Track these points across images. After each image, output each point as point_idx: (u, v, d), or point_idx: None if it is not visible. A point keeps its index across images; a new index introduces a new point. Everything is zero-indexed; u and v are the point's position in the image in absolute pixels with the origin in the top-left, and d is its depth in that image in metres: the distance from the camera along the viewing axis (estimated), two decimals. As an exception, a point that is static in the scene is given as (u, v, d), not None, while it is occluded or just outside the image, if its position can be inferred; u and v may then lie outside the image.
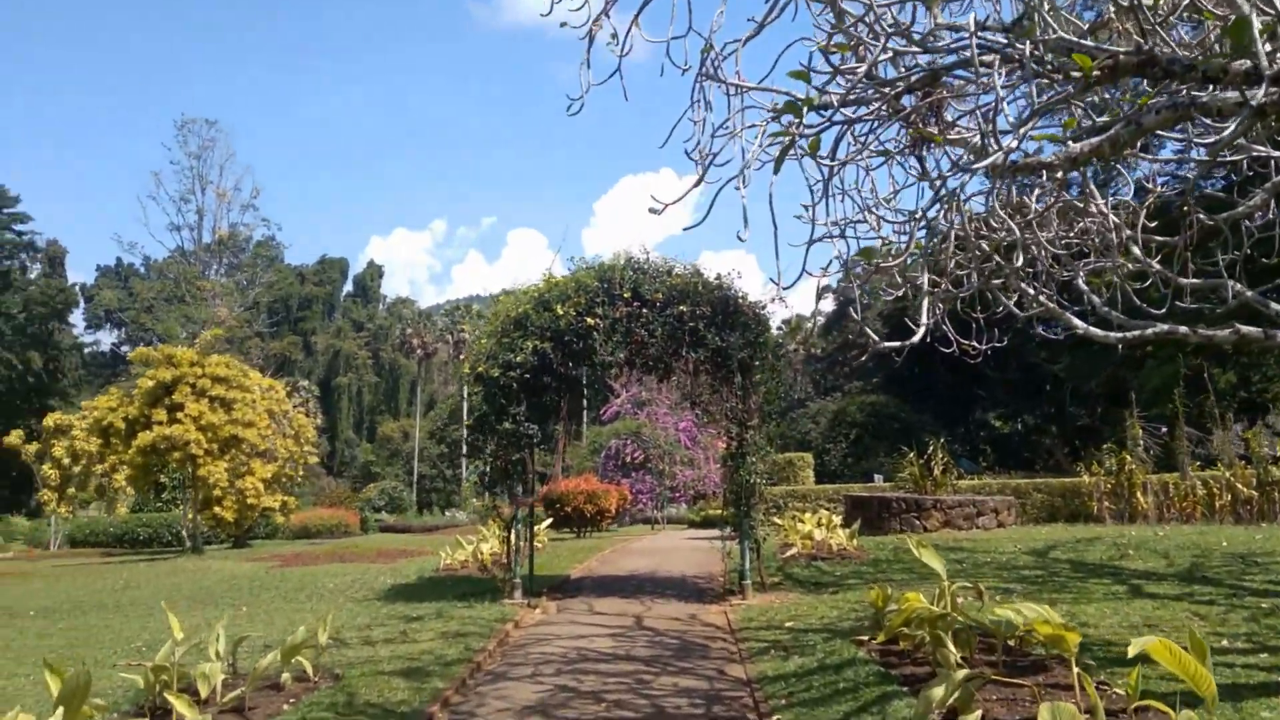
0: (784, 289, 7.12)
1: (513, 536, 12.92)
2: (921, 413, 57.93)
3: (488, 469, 12.90)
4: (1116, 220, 8.35)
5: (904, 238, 7.33)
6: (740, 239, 5.98)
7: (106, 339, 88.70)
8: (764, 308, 12.80)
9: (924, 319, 6.33)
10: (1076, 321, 9.44)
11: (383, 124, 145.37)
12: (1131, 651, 4.75)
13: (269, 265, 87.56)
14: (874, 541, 17.34)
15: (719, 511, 35.77)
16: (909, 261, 7.55)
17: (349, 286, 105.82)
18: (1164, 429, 22.28)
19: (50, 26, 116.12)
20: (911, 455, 21.36)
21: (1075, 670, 5.52)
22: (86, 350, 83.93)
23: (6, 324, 66.21)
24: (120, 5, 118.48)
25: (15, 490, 60.73)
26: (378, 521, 50.04)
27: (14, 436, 34.04)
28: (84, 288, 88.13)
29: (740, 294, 12.72)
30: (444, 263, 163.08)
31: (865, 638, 8.61)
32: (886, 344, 6.66)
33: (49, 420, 32.28)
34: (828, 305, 77.28)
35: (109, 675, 8.41)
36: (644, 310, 12.54)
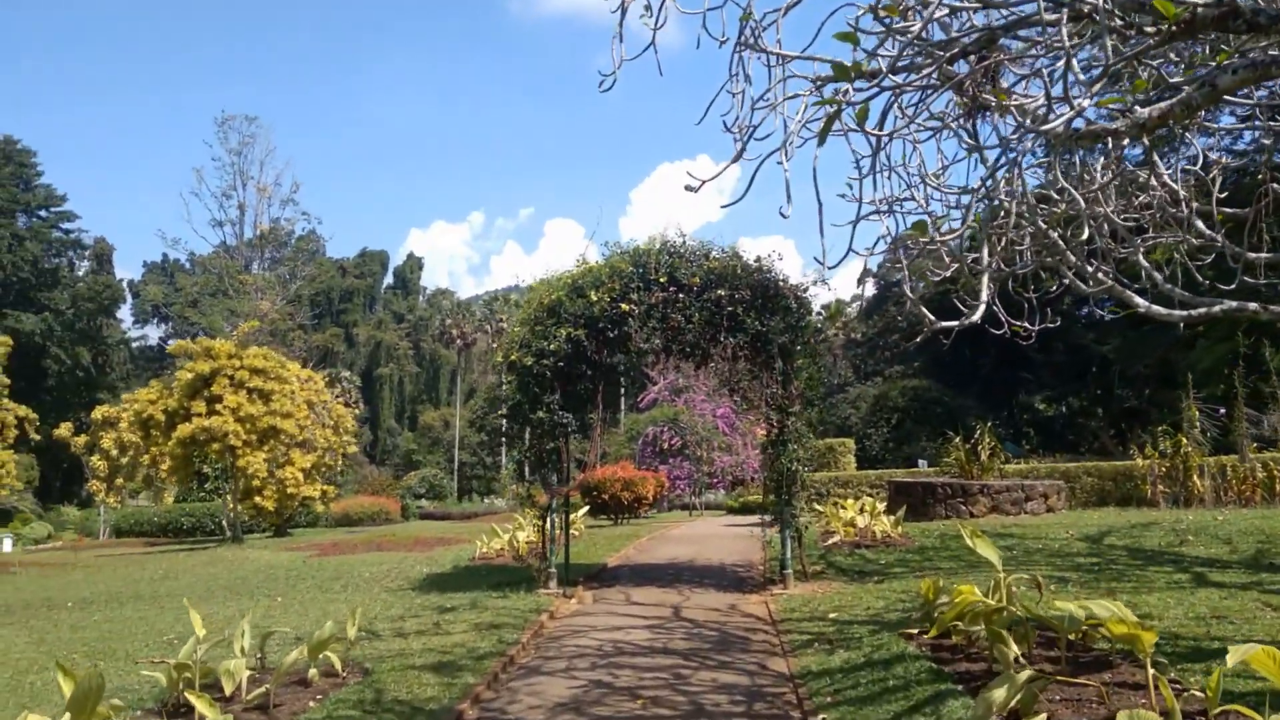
0: (829, 269, 6.78)
1: (548, 525, 12.66)
2: (965, 397, 57.09)
3: (523, 458, 12.64)
4: (1184, 193, 7.87)
5: (957, 213, 6.95)
6: (783, 215, 5.67)
7: (154, 334, 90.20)
8: (805, 290, 12.39)
9: (984, 296, 5.94)
10: (1138, 300, 8.99)
11: (421, 117, 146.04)
12: (1231, 660, 4.34)
13: (310, 259, 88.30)
14: (919, 528, 16.88)
15: (757, 498, 35.39)
16: (964, 237, 7.15)
17: (389, 279, 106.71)
18: (1221, 410, 21.49)
19: (94, 26, 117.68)
20: (957, 440, 20.82)
21: (1150, 672, 5.11)
22: (134, 345, 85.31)
23: (55, 320, 67.40)
24: (161, 4, 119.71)
25: (66, 481, 61.94)
26: (418, 509, 50.26)
27: (64, 429, 34.54)
28: (131, 284, 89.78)
29: (781, 276, 12.33)
30: (482, 254, 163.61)
31: (915, 631, 8.22)
32: (943, 323, 6.26)
33: (97, 413, 32.69)
34: (868, 289, 76.51)
35: (135, 671, 8.26)
36: (680, 295, 12.20)
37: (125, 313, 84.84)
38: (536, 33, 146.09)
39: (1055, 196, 8.17)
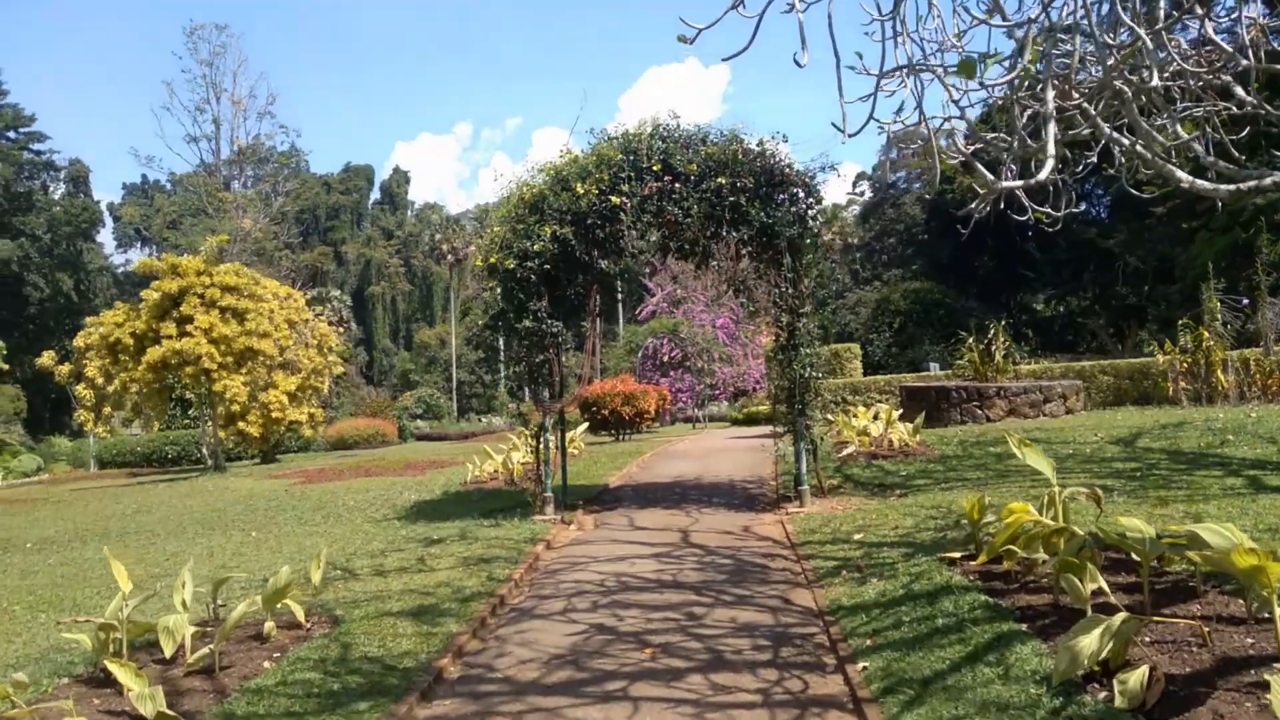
0: (848, 135, 5.64)
1: (542, 446, 11.61)
2: (966, 298, 56.05)
3: (513, 372, 11.54)
4: (1236, 52, 6.61)
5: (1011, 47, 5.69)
6: (798, 63, 4.66)
7: (137, 257, 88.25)
8: (813, 176, 11.12)
9: (1050, 149, 4.74)
10: (1181, 174, 7.87)
11: (400, 24, 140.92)
12: None
13: (293, 174, 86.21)
14: (935, 435, 15.90)
15: (762, 408, 34.50)
16: (1018, 82, 5.93)
17: (376, 194, 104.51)
18: (1245, 300, 20.39)
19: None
20: (970, 341, 19.73)
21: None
22: (119, 270, 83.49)
23: (32, 246, 65.58)
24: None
25: (55, 412, 61.03)
26: (414, 430, 49.58)
27: (46, 358, 33.25)
28: (112, 207, 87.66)
29: (786, 162, 11.05)
30: (471, 166, 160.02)
31: (957, 555, 7.21)
32: (1005, 184, 5.10)
33: (79, 340, 31.39)
34: (860, 198, 74.78)
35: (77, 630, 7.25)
36: (676, 185, 10.93)
37: (108, 237, 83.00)
38: None
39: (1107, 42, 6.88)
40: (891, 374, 36.01)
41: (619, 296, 67.08)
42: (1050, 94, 4.89)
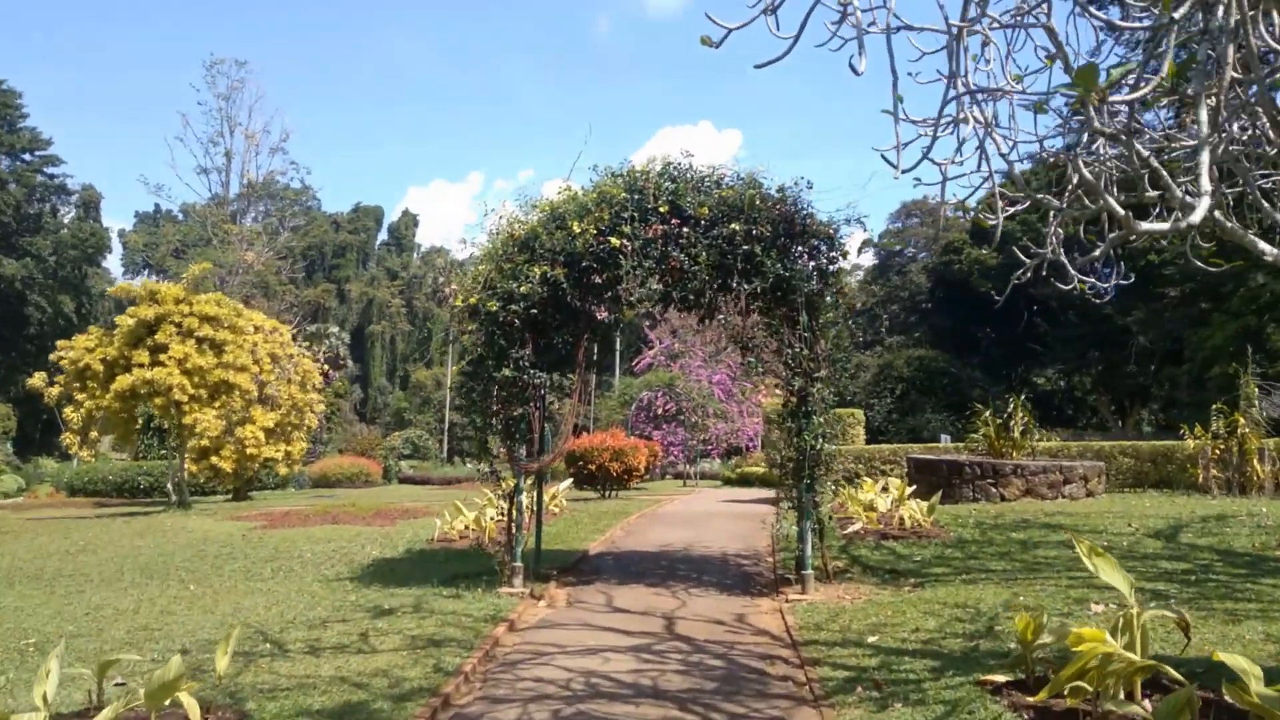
0: (901, 172, 4.69)
1: (515, 511, 10.36)
2: (970, 368, 55.06)
3: (485, 425, 10.32)
4: None
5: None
6: (855, 71, 4.22)
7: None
8: (837, 229, 10.02)
9: (1204, 184, 3.62)
10: (1264, 245, 6.80)
11: (422, 76, 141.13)
12: None
13: (302, 210, 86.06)
14: (949, 514, 14.64)
15: (757, 469, 33.23)
16: (1139, 106, 4.84)
17: (384, 235, 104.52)
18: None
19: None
20: (988, 414, 18.55)
21: None
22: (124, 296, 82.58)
23: (37, 267, 64.93)
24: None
25: (46, 432, 59.70)
26: (398, 472, 48.24)
27: (37, 378, 31.89)
28: (122, 234, 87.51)
29: (808, 210, 9.96)
30: (480, 214, 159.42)
31: (1001, 679, 5.96)
32: (1147, 226, 3.99)
33: (65, 360, 30.06)
34: (868, 259, 74.16)
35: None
36: (685, 229, 9.83)
37: (115, 263, 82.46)
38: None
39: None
40: (894, 442, 34.78)
41: (616, 348, 66.12)
42: (1204, 113, 3.76)
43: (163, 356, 21.22)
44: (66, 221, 73.29)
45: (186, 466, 26.85)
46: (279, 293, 74.14)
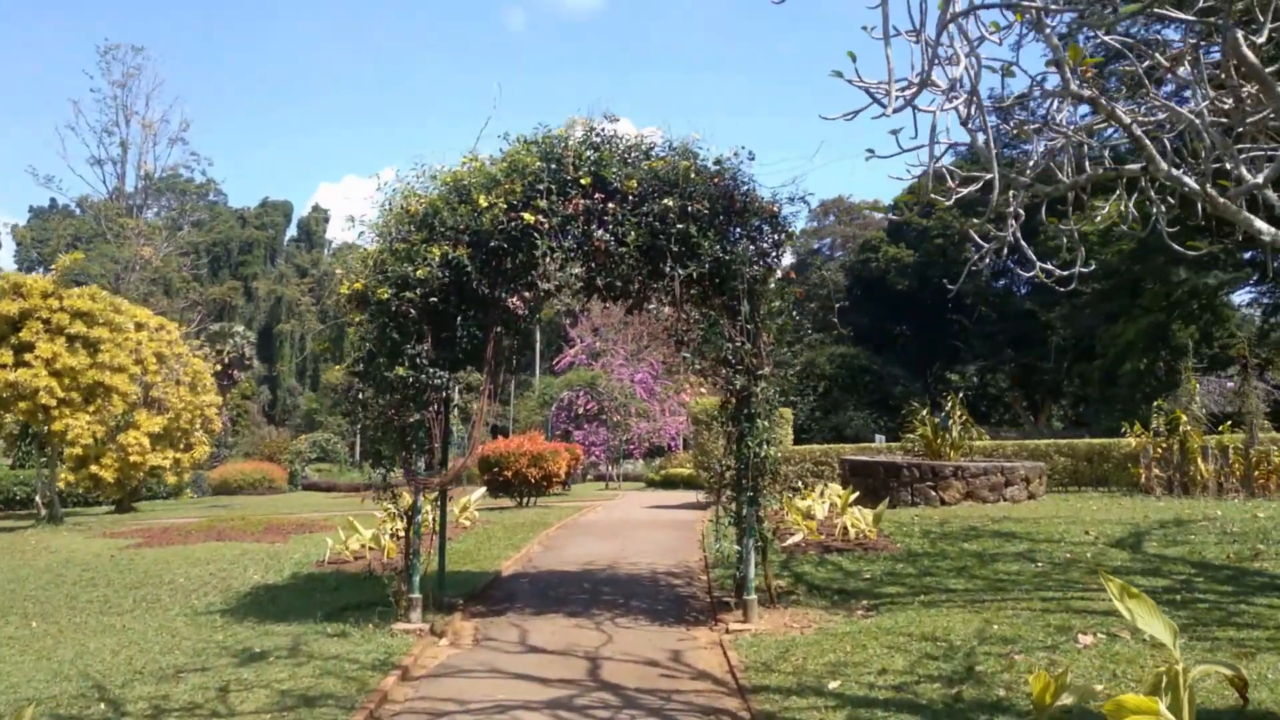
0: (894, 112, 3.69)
1: (412, 533, 8.91)
2: (891, 365, 54.99)
3: (375, 433, 8.86)
4: None
5: None
6: None
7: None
8: (780, 207, 8.81)
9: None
10: (1260, 224, 6.07)
11: (330, 67, 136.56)
12: None
13: (206, 204, 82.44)
14: (891, 521, 13.59)
15: (682, 470, 32.08)
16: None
17: (293, 231, 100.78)
18: (1230, 381, 18.85)
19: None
20: (924, 414, 17.66)
21: None
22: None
23: (-93, 263, 60.40)
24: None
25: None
26: (303, 478, 46.07)
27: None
28: (15, 229, 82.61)
29: (750, 183, 8.74)
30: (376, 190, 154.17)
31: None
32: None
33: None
34: (787, 258, 73.99)
35: None
36: (610, 205, 8.52)
37: (8, 259, 77.84)
38: None
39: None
40: (817, 442, 33.98)
41: (537, 346, 64.56)
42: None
43: (29, 356, 19.08)
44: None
45: (63, 476, 24.66)
46: (181, 290, 70.87)
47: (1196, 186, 7.80)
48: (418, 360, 8.41)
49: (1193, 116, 7.93)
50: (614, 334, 42.67)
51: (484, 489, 19.86)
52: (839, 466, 19.33)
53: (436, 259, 8.30)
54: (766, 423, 8.57)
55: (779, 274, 8.78)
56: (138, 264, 62.74)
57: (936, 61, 5.98)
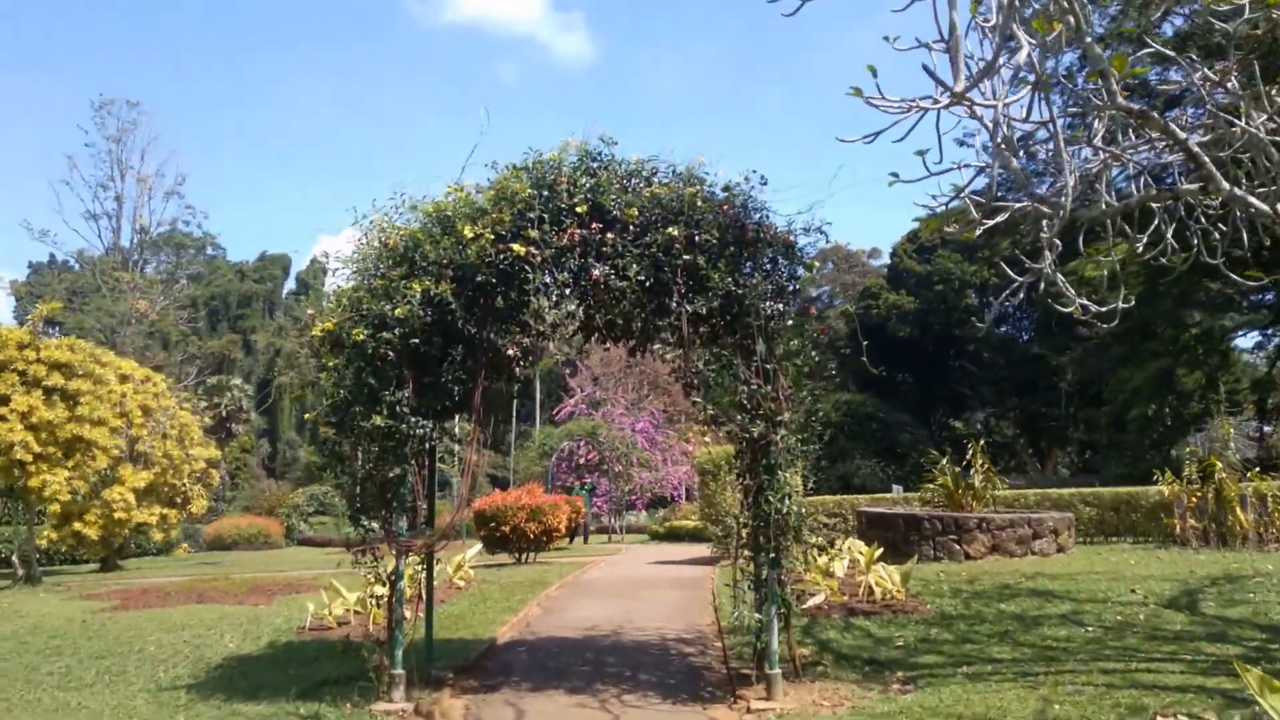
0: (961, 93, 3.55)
1: (395, 600, 7.99)
2: (895, 411, 54.08)
3: (353, 490, 7.97)
4: None
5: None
6: None
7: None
8: (796, 237, 8.02)
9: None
10: None
11: (328, 125, 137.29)
12: None
13: (205, 259, 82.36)
14: (917, 579, 12.60)
15: (687, 523, 31.00)
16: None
17: (291, 284, 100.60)
18: (1265, 426, 17.96)
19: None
20: (944, 462, 16.74)
21: None
22: None
23: (-100, 316, 59.90)
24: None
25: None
26: (299, 533, 45.08)
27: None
28: (13, 284, 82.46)
29: (764, 210, 7.95)
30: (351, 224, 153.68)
31: None
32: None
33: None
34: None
35: None
36: (609, 235, 7.72)
37: (7, 315, 77.41)
38: (441, 40, 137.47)
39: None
40: (824, 492, 32.94)
41: (537, 396, 63.65)
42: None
43: (3, 410, 18.23)
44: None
45: (46, 534, 23.73)
46: (179, 344, 70.38)
47: (1266, 208, 7.00)
48: (397, 408, 7.55)
49: (1256, 130, 7.17)
50: (614, 383, 41.88)
51: (479, 547, 18.88)
52: (854, 518, 18.37)
53: (417, 296, 7.48)
54: (787, 474, 7.70)
55: (796, 309, 7.94)
56: (134, 317, 62.24)
57: (1003, 48, 5.26)
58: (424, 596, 8.92)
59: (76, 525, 22.50)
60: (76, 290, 74.11)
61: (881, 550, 13.29)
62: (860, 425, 49.96)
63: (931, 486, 17.30)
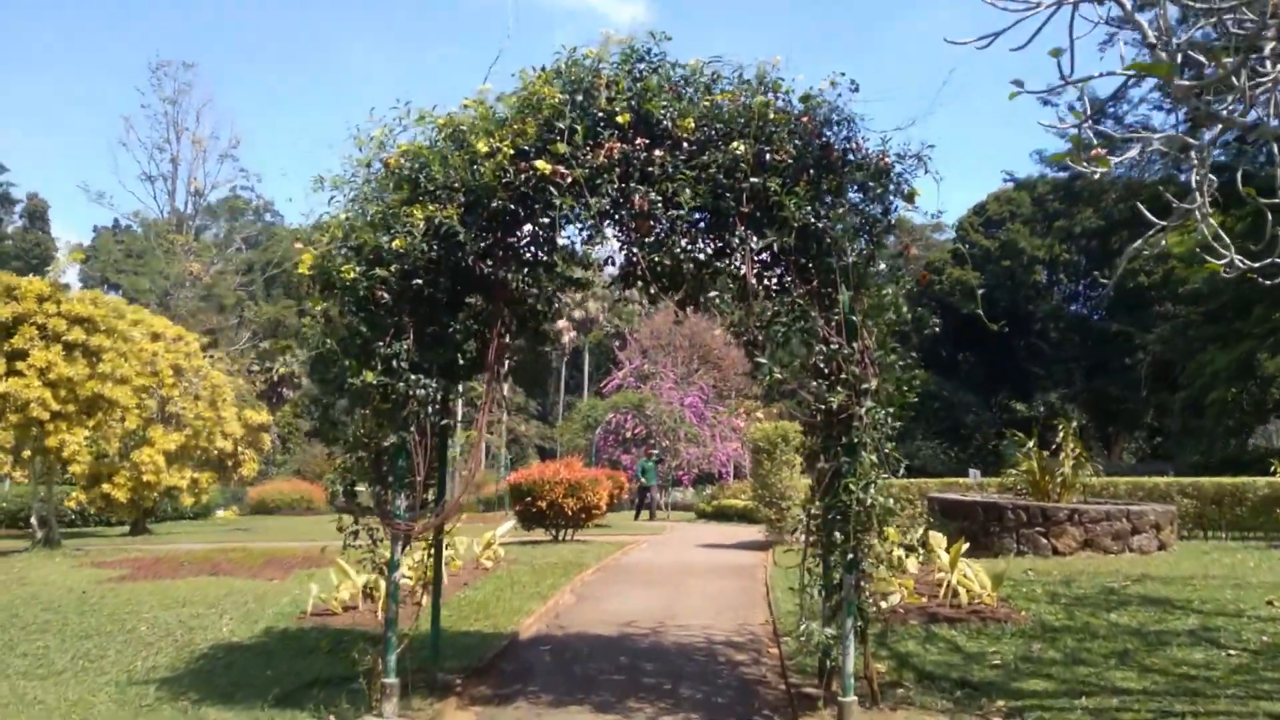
0: None
1: (391, 591, 6.64)
2: (960, 391, 51.97)
3: (346, 461, 6.61)
4: None
5: None
6: None
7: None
8: (894, 163, 6.43)
9: None
10: None
11: (386, 91, 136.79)
12: None
13: (263, 224, 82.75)
14: (1006, 581, 10.95)
15: (736, 502, 29.41)
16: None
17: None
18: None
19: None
20: (1031, 445, 15.03)
21: None
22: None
23: (-24, 276, 60.72)
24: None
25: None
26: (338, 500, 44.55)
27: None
28: (74, 252, 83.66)
29: (854, 124, 6.38)
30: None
31: None
32: None
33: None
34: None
35: None
36: (657, 152, 6.19)
37: (73, 277, 78.56)
38: (496, 7, 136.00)
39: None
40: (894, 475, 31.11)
41: (585, 368, 62.40)
42: None
43: (21, 365, 17.31)
44: (9, 231, 69.60)
45: (75, 495, 23.04)
46: (233, 307, 70.72)
47: None
48: (394, 363, 6.15)
49: None
50: (663, 355, 40.45)
51: (513, 522, 17.58)
52: (924, 505, 16.73)
53: (420, 225, 6.05)
54: (874, 457, 6.19)
55: (892, 253, 6.38)
56: (187, 280, 62.21)
57: None
58: (434, 584, 7.57)
59: (105, 487, 21.78)
60: (132, 252, 74.70)
61: (966, 545, 11.68)
62: (921, 404, 47.95)
63: (1014, 472, 15.60)
